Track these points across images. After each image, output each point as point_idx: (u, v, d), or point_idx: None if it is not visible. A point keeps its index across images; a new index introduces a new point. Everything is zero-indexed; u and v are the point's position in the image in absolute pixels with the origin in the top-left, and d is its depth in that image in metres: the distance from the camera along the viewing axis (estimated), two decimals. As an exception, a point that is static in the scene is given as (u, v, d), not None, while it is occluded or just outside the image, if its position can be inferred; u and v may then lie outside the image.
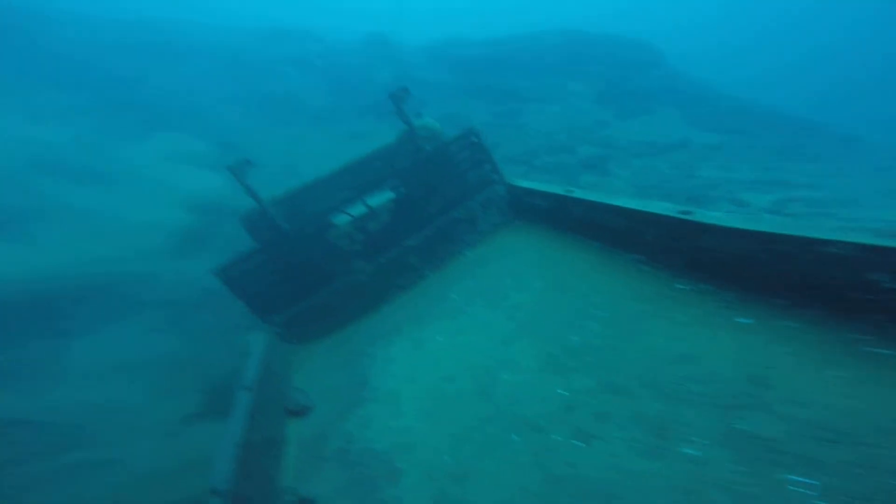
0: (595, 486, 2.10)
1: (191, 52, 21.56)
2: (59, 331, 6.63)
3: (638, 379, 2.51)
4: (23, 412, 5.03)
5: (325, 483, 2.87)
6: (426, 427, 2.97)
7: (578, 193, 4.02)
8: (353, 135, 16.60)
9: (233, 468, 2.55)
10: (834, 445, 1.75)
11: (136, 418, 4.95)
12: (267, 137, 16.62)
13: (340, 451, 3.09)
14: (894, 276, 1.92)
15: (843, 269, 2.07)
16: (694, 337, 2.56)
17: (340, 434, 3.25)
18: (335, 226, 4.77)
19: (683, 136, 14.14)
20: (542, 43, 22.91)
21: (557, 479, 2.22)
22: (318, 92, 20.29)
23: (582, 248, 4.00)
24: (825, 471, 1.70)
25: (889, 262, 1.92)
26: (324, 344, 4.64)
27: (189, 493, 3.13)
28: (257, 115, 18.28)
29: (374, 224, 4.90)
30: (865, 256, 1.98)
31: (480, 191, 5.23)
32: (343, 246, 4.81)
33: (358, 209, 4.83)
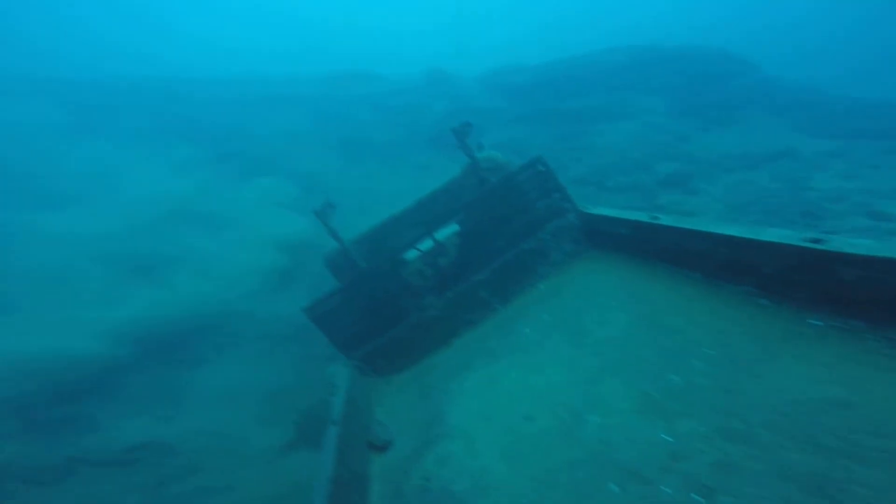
0: None
1: (282, 101, 24.36)
2: (184, 362, 7.78)
3: (770, 426, 2.14)
4: (158, 435, 5.93)
5: (407, 523, 2.89)
6: (506, 469, 2.83)
7: (667, 220, 3.68)
8: (417, 167, 17.38)
9: None
10: None
11: (242, 446, 5.52)
12: (342, 176, 18.00)
13: (420, 489, 3.08)
14: None
15: None
16: (845, 380, 2.15)
17: (419, 471, 3.24)
18: (407, 263, 4.97)
19: (787, 144, 12.52)
20: (606, 61, 22.36)
21: None
22: (385, 128, 21.66)
23: (675, 280, 3.63)
24: None
25: None
26: (400, 378, 4.73)
27: None
28: (333, 156, 19.89)
29: (443, 259, 5.01)
30: None
31: (551, 220, 5.07)
32: (415, 282, 4.97)
33: (427, 245, 4.98)
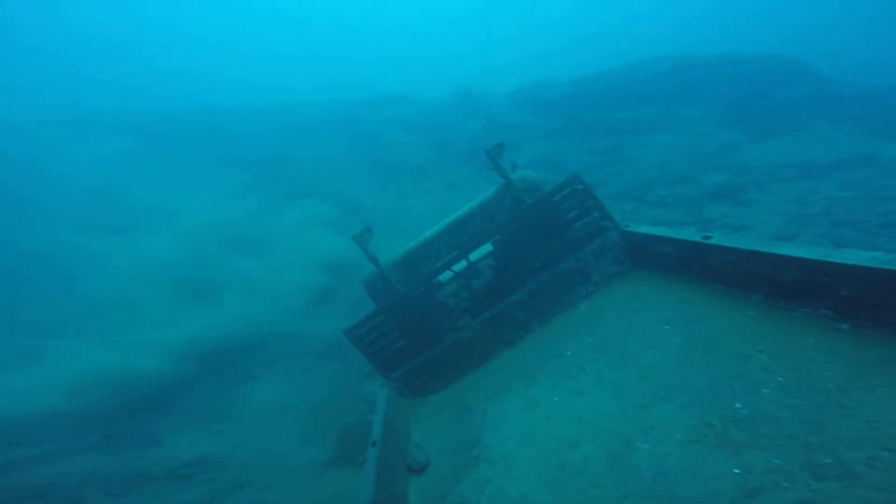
0: None
1: (320, 127, 25.66)
2: (234, 379, 8.27)
3: (871, 464, 1.90)
4: (211, 449, 6.29)
5: (447, 551, 2.81)
6: (549, 497, 2.68)
7: (720, 239, 3.45)
8: (450, 185, 17.59)
9: None
10: None
11: (285, 461, 5.71)
12: (377, 196, 18.53)
13: None
14: None
15: None
16: None
17: (456, 497, 3.14)
18: (442, 285, 5.00)
19: (860, 150, 11.48)
20: (642, 72, 21.87)
21: None
22: (418, 149, 22.19)
23: (731, 302, 3.38)
24: None
25: None
26: (436, 399, 4.69)
27: None
28: (368, 177, 20.56)
29: (477, 281, 5.00)
30: None
31: (591, 240, 4.92)
32: (450, 303, 4.98)
33: (461, 267, 4.99)
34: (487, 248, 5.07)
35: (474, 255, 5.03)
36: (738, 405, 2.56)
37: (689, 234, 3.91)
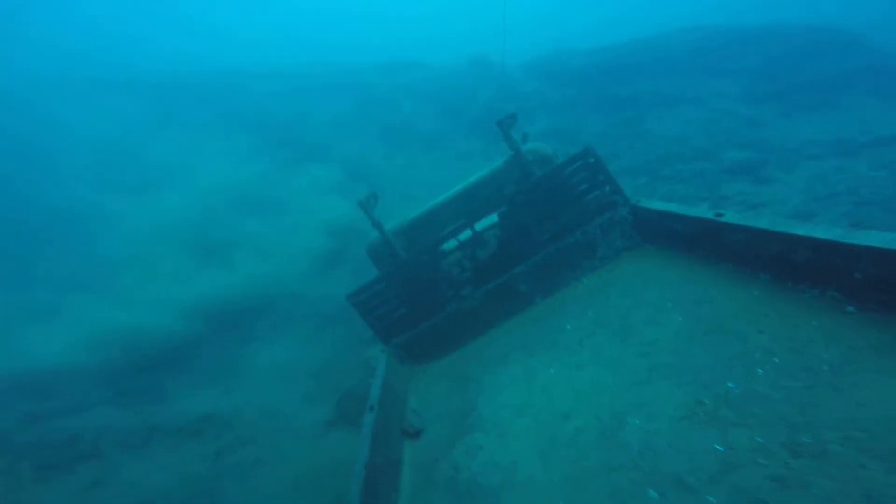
0: None
1: (331, 91, 25.15)
2: (242, 338, 8.54)
3: (847, 443, 1.95)
4: (219, 407, 6.59)
5: (436, 512, 2.91)
6: (538, 466, 2.74)
7: (732, 217, 3.34)
8: (460, 154, 17.26)
9: (361, 490, 2.74)
10: None
11: (289, 421, 5.96)
12: (386, 162, 18.33)
13: (450, 479, 3.08)
14: None
15: None
16: None
17: (449, 461, 3.24)
18: (446, 254, 4.98)
19: None
20: (672, 43, 20.54)
21: None
22: (428, 116, 21.70)
23: (739, 281, 3.31)
24: None
25: None
26: (435, 367, 4.77)
27: (335, 493, 3.50)
28: (378, 143, 20.29)
29: (482, 252, 4.97)
30: None
31: (600, 214, 4.83)
32: (454, 274, 4.98)
33: (466, 237, 4.96)
34: (494, 218, 5.01)
35: (480, 226, 4.98)
36: (730, 385, 2.57)
37: (700, 211, 3.80)
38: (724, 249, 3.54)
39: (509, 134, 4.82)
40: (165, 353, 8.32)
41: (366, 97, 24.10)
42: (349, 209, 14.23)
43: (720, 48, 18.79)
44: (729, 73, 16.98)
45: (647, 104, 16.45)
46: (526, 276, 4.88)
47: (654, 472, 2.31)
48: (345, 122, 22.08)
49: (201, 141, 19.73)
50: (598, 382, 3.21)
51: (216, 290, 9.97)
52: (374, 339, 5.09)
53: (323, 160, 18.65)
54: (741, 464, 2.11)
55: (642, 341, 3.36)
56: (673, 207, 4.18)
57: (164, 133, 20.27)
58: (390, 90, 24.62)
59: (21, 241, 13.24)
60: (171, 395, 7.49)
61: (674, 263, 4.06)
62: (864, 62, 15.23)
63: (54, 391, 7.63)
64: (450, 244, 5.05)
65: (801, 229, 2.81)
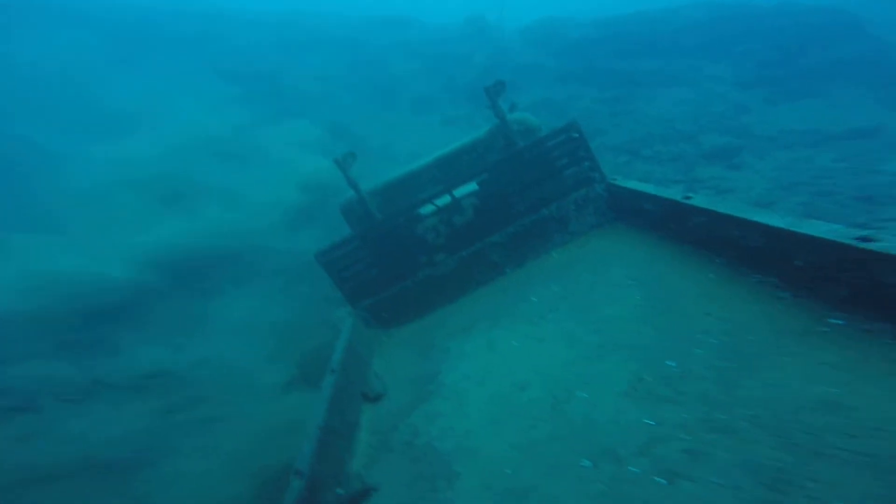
0: None
1: (321, 42, 23.72)
2: (202, 291, 8.14)
3: (751, 420, 2.13)
4: (171, 363, 6.34)
5: (389, 474, 2.95)
6: (490, 434, 2.85)
7: (699, 201, 3.42)
8: (448, 120, 16.79)
9: (314, 450, 2.76)
10: None
11: (247, 379, 5.83)
12: (371, 122, 17.69)
13: (406, 444, 3.15)
14: None
15: None
16: (845, 383, 2.09)
17: (408, 426, 3.31)
18: (422, 218, 4.90)
19: (874, 122, 11.08)
20: (679, 19, 19.88)
21: None
22: (418, 77, 20.86)
23: (697, 264, 3.43)
24: None
25: None
26: (402, 332, 4.82)
27: (290, 453, 3.54)
28: (364, 101, 19.50)
29: (459, 218, 4.92)
30: None
31: (577, 189, 4.86)
32: (428, 238, 4.92)
33: (444, 203, 4.89)
34: (473, 186, 4.95)
35: (459, 192, 4.92)
36: (671, 363, 2.71)
37: (670, 192, 3.87)
38: (688, 231, 3.64)
39: (496, 101, 4.71)
40: (116, 304, 7.72)
41: (354, 54, 22.86)
42: (327, 167, 13.65)
43: (725, 27, 18.32)
44: (728, 56, 16.74)
45: (642, 82, 16.20)
46: (500, 246, 4.92)
47: (591, 443, 2.44)
48: (330, 79, 21.00)
49: (172, 86, 18.43)
50: (555, 356, 3.30)
51: (177, 238, 9.31)
52: (342, 300, 5.03)
53: (303, 116, 17.82)
54: (664, 437, 2.28)
55: (600, 318, 3.46)
56: (645, 187, 4.23)
57: (128, 74, 18.80)
58: (380, 49, 23.38)
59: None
60: (119, 348, 7.07)
61: (641, 242, 4.16)
62: (860, 50, 15.16)
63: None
64: (427, 209, 4.96)
65: (756, 216, 2.91)
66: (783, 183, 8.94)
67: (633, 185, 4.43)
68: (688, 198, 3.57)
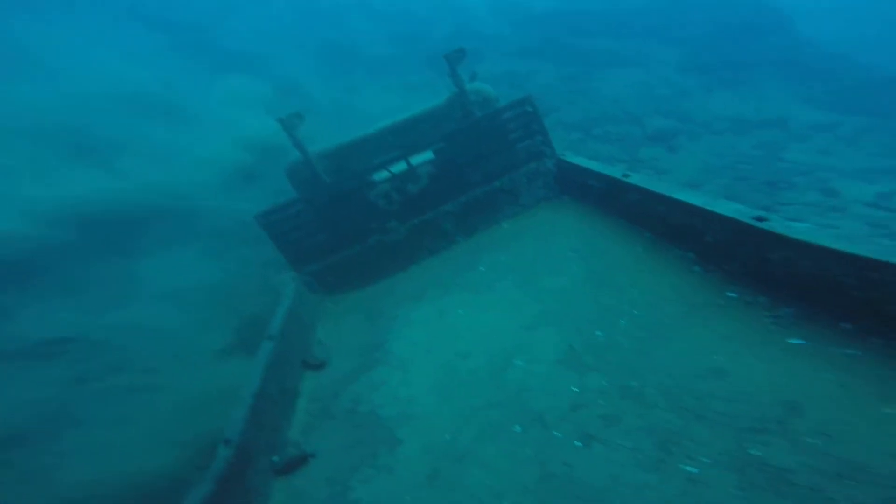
0: (585, 490, 2.02)
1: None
2: (125, 252, 7.27)
3: (657, 387, 2.35)
4: (84, 329, 5.63)
5: (328, 440, 2.95)
6: (432, 401, 2.93)
7: (635, 179, 3.64)
8: (409, 87, 16.17)
9: (246, 418, 2.69)
10: (849, 482, 1.62)
11: (176, 346, 5.39)
12: (326, 84, 16.66)
13: (347, 411, 3.15)
14: None
15: None
16: (732, 352, 2.34)
17: (350, 393, 3.31)
18: (375, 184, 4.76)
19: (783, 112, 12.22)
20: (635, 1, 20.29)
21: (550, 477, 2.14)
22: (378, 40, 19.76)
23: (631, 238, 3.66)
24: None
25: None
26: (349, 298, 4.74)
27: (221, 422, 3.37)
28: (319, 62, 18.26)
29: (413, 186, 4.84)
30: None
31: (528, 162, 4.95)
32: (380, 205, 4.81)
33: (399, 170, 4.77)
34: (429, 155, 4.86)
35: (415, 160, 4.82)
36: (598, 333, 2.91)
37: (612, 170, 4.05)
38: (625, 207, 3.85)
39: (455, 69, 4.60)
40: (14, 263, 6.69)
41: (309, 7, 21.15)
42: (275, 127, 12.73)
43: (677, 12, 18.90)
44: (674, 42, 17.39)
45: (599, 62, 16.47)
46: (452, 215, 4.92)
47: (523, 409, 2.58)
48: (280, 32, 19.33)
49: (80, 28, 16.01)
50: (498, 325, 3.41)
51: (94, 194, 8.26)
52: (287, 264, 4.82)
53: (247, 72, 16.38)
54: (585, 404, 2.46)
55: (541, 288, 3.60)
56: (590, 164, 4.39)
57: (28, 14, 16.07)
58: (339, 5, 21.78)
59: None
60: (14, 313, 6.12)
61: (585, 216, 4.34)
62: (783, 44, 16.46)
63: None
64: (381, 175, 4.81)
65: (678, 194, 3.14)
66: (711, 166, 9.68)
67: (579, 161, 4.58)
68: (626, 176, 3.78)
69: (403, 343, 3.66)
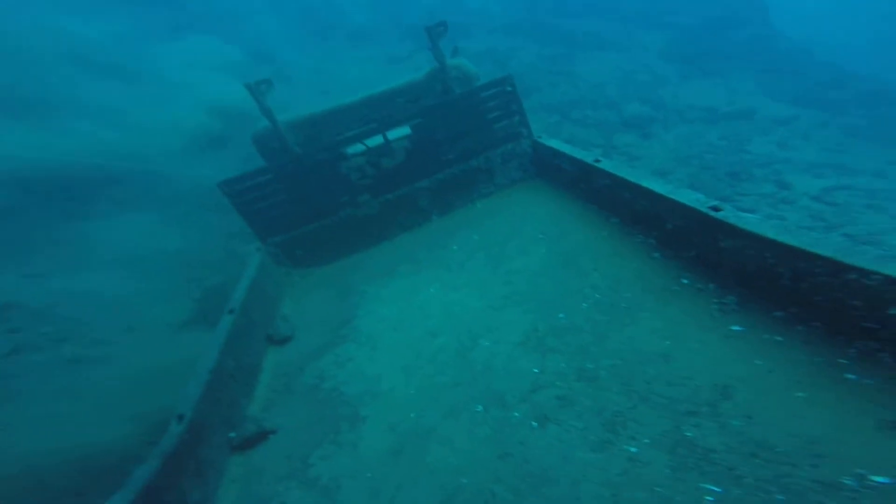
0: (536, 467, 2.10)
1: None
2: (73, 214, 6.68)
3: (610, 370, 2.43)
4: (22, 296, 5.18)
5: (290, 417, 2.91)
6: (398, 379, 2.92)
7: (605, 165, 3.65)
8: (390, 58, 15.60)
9: (201, 394, 2.60)
10: (757, 460, 1.76)
11: (130, 316, 5.08)
12: (302, 50, 15.85)
13: (311, 387, 3.10)
14: None
15: (867, 299, 1.86)
16: (680, 337, 2.44)
17: (315, 370, 3.25)
18: (348, 157, 4.60)
19: (749, 104, 12.64)
20: None
21: (507, 456, 2.20)
22: (360, 7, 18.86)
23: (599, 222, 3.70)
24: (738, 483, 1.72)
25: None
26: (318, 273, 4.64)
27: (174, 396, 3.23)
28: (294, 25, 17.29)
29: (388, 161, 4.71)
30: None
31: (505, 143, 4.90)
32: (353, 178, 4.67)
33: (374, 144, 4.62)
34: (406, 130, 4.73)
35: (392, 134, 4.67)
36: (561, 315, 2.95)
37: (584, 154, 4.04)
38: (595, 192, 3.89)
39: (437, 44, 4.43)
40: None
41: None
42: (245, 93, 11.95)
43: (662, 1, 18.83)
44: (661, 27, 17.40)
45: (582, 44, 16.31)
46: (427, 191, 4.85)
47: (486, 389, 2.62)
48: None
49: None
50: (467, 304, 3.42)
51: (32, 152, 7.50)
52: (254, 235, 4.63)
53: (212, 32, 15.29)
54: (544, 385, 2.52)
55: (510, 269, 3.62)
56: (564, 147, 4.37)
57: None
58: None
59: None
60: None
61: (556, 199, 4.36)
62: (755, 35, 16.81)
63: None
64: (355, 148, 4.65)
65: (643, 181, 3.18)
66: (680, 155, 9.91)
67: (554, 143, 4.55)
68: (597, 161, 3.78)
69: (372, 320, 3.61)
